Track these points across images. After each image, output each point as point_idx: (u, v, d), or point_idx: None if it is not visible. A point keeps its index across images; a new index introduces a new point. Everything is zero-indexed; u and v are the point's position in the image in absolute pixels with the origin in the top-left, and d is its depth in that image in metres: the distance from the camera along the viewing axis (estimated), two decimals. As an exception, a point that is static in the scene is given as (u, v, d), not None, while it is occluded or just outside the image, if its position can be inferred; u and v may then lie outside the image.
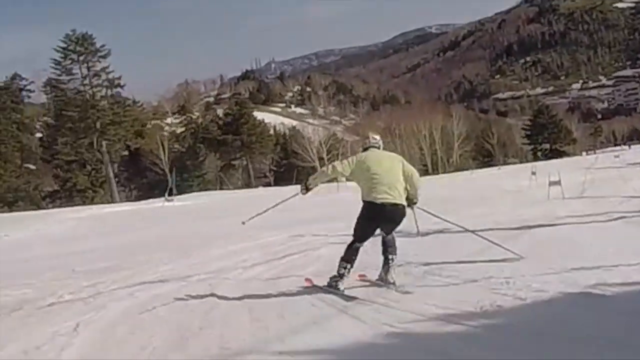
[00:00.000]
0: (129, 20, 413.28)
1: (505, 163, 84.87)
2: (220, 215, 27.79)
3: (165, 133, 76.60)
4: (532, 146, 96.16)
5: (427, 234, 10.61)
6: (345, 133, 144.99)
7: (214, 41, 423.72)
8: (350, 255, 7.14)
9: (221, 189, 67.73)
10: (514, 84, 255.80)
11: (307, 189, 7.48)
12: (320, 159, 69.52)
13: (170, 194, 42.25)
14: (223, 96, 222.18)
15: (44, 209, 53.36)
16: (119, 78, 68.81)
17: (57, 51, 66.61)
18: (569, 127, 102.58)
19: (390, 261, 7.28)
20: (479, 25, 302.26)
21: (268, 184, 75.84)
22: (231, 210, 29.31)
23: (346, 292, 6.90)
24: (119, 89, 69.69)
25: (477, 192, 33.40)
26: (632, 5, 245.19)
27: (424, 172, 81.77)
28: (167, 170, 67.42)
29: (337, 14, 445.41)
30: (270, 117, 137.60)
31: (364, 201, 7.07)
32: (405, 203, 7.15)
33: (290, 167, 75.28)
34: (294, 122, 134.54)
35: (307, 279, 7.77)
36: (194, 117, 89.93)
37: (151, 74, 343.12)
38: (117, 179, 69.71)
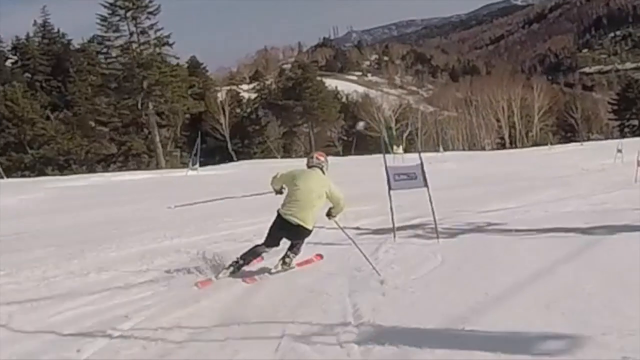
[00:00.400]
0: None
1: (589, 139, 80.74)
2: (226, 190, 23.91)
3: (227, 98, 73.87)
4: (619, 122, 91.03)
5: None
6: (421, 103, 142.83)
7: (294, 9, 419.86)
8: (249, 255, 8.09)
9: (285, 157, 66.64)
10: (602, 58, 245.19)
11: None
12: (389, 128, 67.24)
13: (194, 163, 39.72)
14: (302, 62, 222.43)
15: (96, 172, 52.51)
16: (168, 36, 65.25)
17: (105, 6, 63.50)
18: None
19: (287, 257, 8.15)
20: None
21: (337, 153, 74.13)
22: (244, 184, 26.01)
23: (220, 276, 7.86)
24: (167, 47, 65.69)
25: (553, 171, 31.10)
26: None
27: (502, 145, 78.89)
28: (227, 136, 66.37)
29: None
30: (344, 85, 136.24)
31: (277, 210, 8.07)
32: (310, 227, 8.00)
33: (360, 136, 73.58)
34: (370, 91, 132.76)
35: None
36: (267, 82, 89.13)
37: (232, 40, 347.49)
38: (175, 144, 67.84)
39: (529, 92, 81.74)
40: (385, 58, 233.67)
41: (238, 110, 73.72)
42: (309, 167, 8.29)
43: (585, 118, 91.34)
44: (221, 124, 68.27)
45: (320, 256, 8.86)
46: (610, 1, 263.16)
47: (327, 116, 78.54)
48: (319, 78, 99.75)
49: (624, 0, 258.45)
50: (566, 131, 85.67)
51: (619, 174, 24.83)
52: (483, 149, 76.70)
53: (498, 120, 78.73)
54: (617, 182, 21.09)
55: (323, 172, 8.31)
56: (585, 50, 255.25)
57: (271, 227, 8.12)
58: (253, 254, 8.17)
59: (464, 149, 76.82)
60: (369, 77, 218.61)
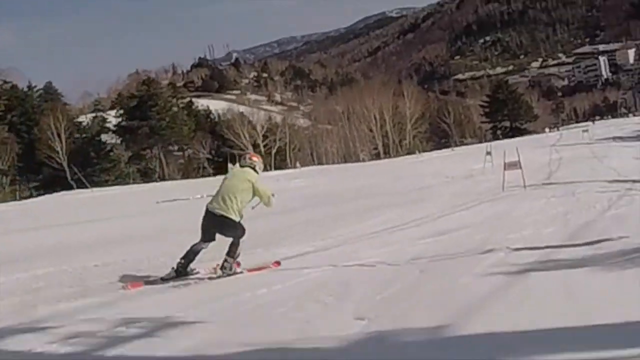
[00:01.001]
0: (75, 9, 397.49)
1: (462, 143, 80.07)
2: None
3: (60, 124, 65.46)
4: (491, 124, 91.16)
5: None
6: (301, 118, 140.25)
7: (167, 30, 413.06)
8: (189, 254, 8.36)
9: (147, 181, 61.36)
10: (474, 64, 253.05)
11: None
12: (255, 145, 63.36)
13: None
14: (178, 84, 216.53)
15: None
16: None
17: None
18: (530, 103, 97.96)
19: (224, 262, 8.34)
20: (437, 6, 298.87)
21: (208, 175, 69.32)
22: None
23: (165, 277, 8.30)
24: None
25: (415, 181, 28.62)
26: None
27: (377, 156, 76.58)
28: (65, 164, 60.02)
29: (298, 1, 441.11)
30: (220, 105, 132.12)
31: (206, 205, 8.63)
32: (233, 218, 8.33)
33: (232, 156, 68.98)
34: (247, 109, 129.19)
35: None
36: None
37: (103, 64, 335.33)
38: (6, 176, 60.38)
39: (400, 100, 80.00)
40: (264, 75, 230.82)
41: (77, 136, 66.60)
42: (242, 166, 8.71)
43: (457, 123, 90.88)
44: (57, 152, 61.07)
45: (278, 263, 8.89)
46: (479, 8, 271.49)
47: (178, 136, 72.93)
48: (188, 99, 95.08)
49: (491, 6, 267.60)
50: (440, 137, 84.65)
51: (487, 180, 23.06)
52: (361, 160, 74.35)
53: (371, 130, 76.48)
54: (482, 192, 19.25)
55: (256, 171, 8.70)
56: (457, 57, 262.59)
57: (202, 223, 8.46)
58: (192, 252, 8.37)
59: (339, 162, 74.01)
60: (248, 95, 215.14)
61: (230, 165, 9.51)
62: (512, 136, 78.73)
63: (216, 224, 8.32)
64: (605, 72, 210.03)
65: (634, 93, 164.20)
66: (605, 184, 18.19)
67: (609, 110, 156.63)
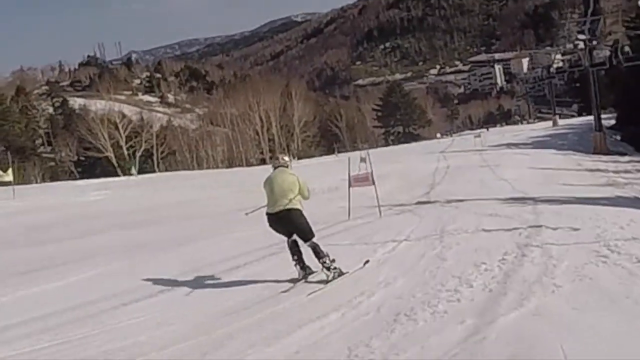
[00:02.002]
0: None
1: (355, 149, 75.56)
2: None
3: None
4: (383, 130, 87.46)
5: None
6: (194, 121, 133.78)
7: (54, 27, 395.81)
8: (293, 254, 9.02)
9: None
10: (374, 69, 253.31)
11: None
12: (118, 147, 56.90)
13: None
14: (62, 83, 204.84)
15: None
16: None
17: None
18: (424, 108, 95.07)
19: (323, 266, 8.75)
20: (341, 12, 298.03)
21: (74, 178, 62.28)
22: None
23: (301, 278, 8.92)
24: None
25: (254, 196, 23.66)
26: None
27: (261, 160, 71.26)
28: None
29: (202, 2, 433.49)
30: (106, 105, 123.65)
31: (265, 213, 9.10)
32: (297, 206, 8.90)
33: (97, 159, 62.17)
34: (136, 110, 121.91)
35: None
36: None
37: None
38: None
39: (290, 102, 74.76)
40: (158, 75, 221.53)
41: None
42: (275, 167, 9.35)
43: (350, 127, 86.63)
44: None
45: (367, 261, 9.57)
46: (380, 14, 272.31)
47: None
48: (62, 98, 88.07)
49: (392, 12, 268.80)
50: (330, 142, 79.78)
51: (343, 198, 17.98)
52: (249, 165, 68.93)
53: (258, 134, 70.99)
54: (325, 219, 14.84)
55: (286, 167, 9.41)
56: (358, 63, 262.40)
57: (271, 227, 9.05)
58: (292, 249, 8.97)
59: (222, 167, 68.26)
60: (140, 96, 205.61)
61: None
62: (405, 142, 75.36)
63: (285, 221, 8.80)
64: (500, 80, 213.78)
65: (528, 101, 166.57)
66: (496, 206, 13.96)
67: (504, 117, 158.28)
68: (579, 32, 44.99)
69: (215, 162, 72.92)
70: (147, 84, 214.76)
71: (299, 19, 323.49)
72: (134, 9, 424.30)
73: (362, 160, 29.25)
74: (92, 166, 62.09)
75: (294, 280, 8.73)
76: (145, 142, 61.92)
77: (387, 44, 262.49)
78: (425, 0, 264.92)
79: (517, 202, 15.39)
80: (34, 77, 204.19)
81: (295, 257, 8.88)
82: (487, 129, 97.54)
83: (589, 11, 53.04)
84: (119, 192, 32.74)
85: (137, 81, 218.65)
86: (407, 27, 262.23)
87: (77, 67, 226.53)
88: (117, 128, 60.65)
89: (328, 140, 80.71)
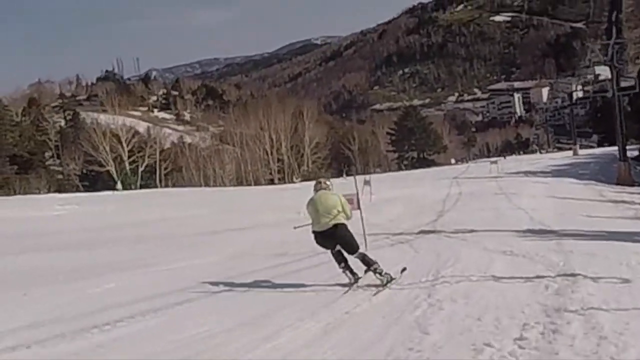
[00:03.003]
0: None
1: (365, 172, 73.49)
2: None
3: None
4: (397, 154, 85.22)
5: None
6: (206, 139, 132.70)
7: (73, 41, 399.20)
8: (339, 263, 9.69)
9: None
10: (392, 95, 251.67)
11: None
12: (120, 161, 55.36)
13: None
14: (79, 97, 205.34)
15: None
16: None
17: None
18: (440, 134, 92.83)
19: (376, 274, 9.35)
20: (360, 35, 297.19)
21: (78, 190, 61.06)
22: None
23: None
24: None
25: (225, 219, 23.24)
26: (509, 19, 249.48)
27: (270, 181, 69.41)
28: None
29: (223, 22, 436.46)
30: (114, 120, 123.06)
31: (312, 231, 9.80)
32: (342, 220, 9.60)
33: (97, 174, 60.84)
34: (149, 126, 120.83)
35: None
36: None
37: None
38: None
39: (300, 123, 72.99)
40: (175, 93, 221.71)
41: None
42: (317, 190, 9.92)
43: (362, 151, 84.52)
44: None
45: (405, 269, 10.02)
46: (399, 39, 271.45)
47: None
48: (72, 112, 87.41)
49: (412, 38, 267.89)
50: (343, 165, 77.64)
51: None
52: (258, 184, 67.22)
53: (268, 153, 69.24)
54: (301, 249, 13.35)
55: (329, 190, 10.00)
56: (376, 87, 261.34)
57: (318, 242, 9.78)
58: (337, 257, 9.69)
59: (230, 185, 66.48)
60: (156, 112, 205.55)
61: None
62: (419, 167, 73.26)
63: (332, 236, 9.48)
64: (519, 109, 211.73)
65: (547, 130, 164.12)
66: (512, 240, 11.76)
67: (522, 146, 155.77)
68: (604, 57, 42.47)
69: (223, 181, 71.17)
70: (163, 101, 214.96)
71: (318, 42, 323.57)
72: (154, 25, 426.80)
73: (366, 183, 27.42)
74: (95, 180, 60.67)
75: (348, 285, 9.30)
76: (149, 157, 60.37)
77: (406, 70, 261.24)
78: (446, 27, 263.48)
79: (537, 235, 13.13)
80: (52, 90, 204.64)
81: (343, 265, 9.60)
82: (504, 157, 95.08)
83: (614, 37, 50.73)
84: (88, 207, 30.62)
85: (154, 98, 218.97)
86: (426, 53, 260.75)
87: (94, 81, 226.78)
88: (119, 142, 59.16)
89: (339, 163, 78.62)
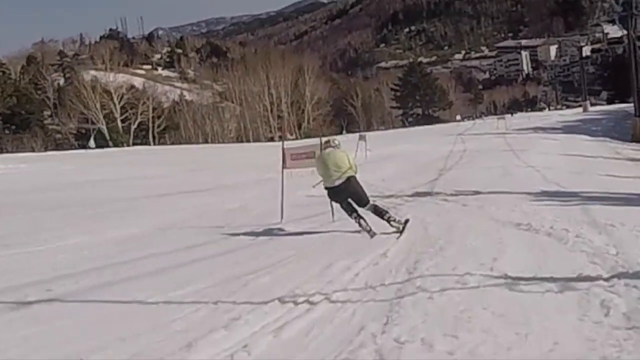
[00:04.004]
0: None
1: (370, 130, 71.56)
2: None
3: None
4: (402, 111, 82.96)
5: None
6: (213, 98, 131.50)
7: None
8: (352, 218, 9.71)
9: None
10: (398, 53, 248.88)
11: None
12: (112, 119, 53.55)
13: None
14: (82, 56, 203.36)
15: None
16: None
17: None
18: (446, 90, 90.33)
19: (390, 222, 9.40)
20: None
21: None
22: None
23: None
24: None
25: (193, 178, 21.62)
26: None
27: (270, 139, 67.58)
28: None
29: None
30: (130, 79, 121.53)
31: (324, 187, 10.09)
32: (352, 173, 9.80)
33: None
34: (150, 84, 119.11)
35: None
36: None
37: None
38: None
39: (301, 79, 70.67)
40: (179, 51, 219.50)
41: None
42: (325, 149, 10.27)
43: (365, 107, 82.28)
44: None
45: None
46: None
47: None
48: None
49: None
50: (343, 121, 75.58)
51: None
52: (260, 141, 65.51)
53: (268, 110, 67.25)
54: (250, 220, 12.37)
55: (338, 148, 10.22)
56: (382, 45, 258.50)
57: (330, 197, 10.10)
58: (349, 211, 9.74)
59: (230, 142, 64.84)
60: (159, 70, 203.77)
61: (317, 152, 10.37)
62: (424, 124, 71.21)
63: (343, 189, 9.70)
64: (526, 67, 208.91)
65: (555, 87, 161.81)
66: (525, 205, 10.09)
67: (529, 104, 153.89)
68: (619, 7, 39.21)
69: (222, 139, 69.50)
70: (167, 59, 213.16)
71: (324, 0, 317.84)
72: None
73: (361, 138, 25.78)
74: (88, 138, 59.21)
75: (364, 231, 9.18)
76: (141, 114, 58.54)
77: (412, 28, 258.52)
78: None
79: (555, 199, 11.08)
80: (55, 49, 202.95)
81: (355, 215, 9.61)
82: (512, 114, 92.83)
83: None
84: (37, 166, 28.72)
85: (158, 56, 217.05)
86: (433, 11, 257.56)
87: (98, 40, 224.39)
88: (111, 98, 57.19)
89: (342, 120, 76.68)
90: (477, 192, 12.66)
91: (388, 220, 9.30)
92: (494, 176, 16.31)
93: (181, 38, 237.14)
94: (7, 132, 73.58)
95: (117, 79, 74.84)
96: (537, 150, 25.24)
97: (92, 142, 46.63)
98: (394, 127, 70.75)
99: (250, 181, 19.09)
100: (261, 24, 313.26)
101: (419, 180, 16.48)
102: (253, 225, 11.17)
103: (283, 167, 12.43)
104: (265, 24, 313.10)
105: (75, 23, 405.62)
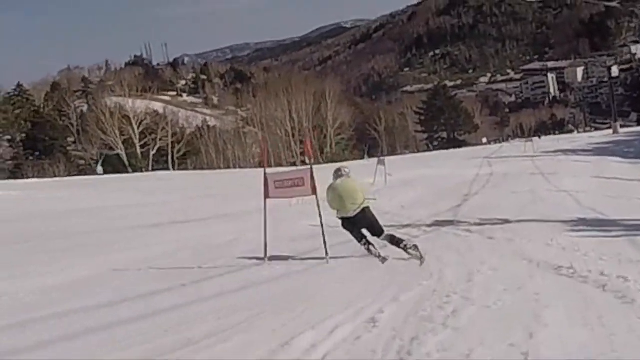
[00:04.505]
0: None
1: (393, 153, 70.32)
2: None
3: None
4: (427, 134, 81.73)
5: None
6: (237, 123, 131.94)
7: (102, 27, 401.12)
8: (365, 248, 9.67)
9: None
10: (423, 77, 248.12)
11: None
12: (131, 144, 53.11)
13: None
14: (108, 83, 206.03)
15: None
16: None
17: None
18: (471, 113, 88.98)
19: (406, 251, 9.21)
20: (390, 18, 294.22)
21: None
22: None
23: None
24: None
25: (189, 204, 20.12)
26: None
27: (292, 163, 66.72)
28: None
29: (254, 7, 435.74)
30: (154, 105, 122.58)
31: (339, 218, 9.99)
32: (365, 204, 9.75)
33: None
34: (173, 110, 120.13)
35: None
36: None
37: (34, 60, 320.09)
38: None
39: (323, 103, 69.91)
40: (203, 77, 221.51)
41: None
42: (338, 177, 10.03)
43: (389, 131, 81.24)
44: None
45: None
46: (430, 21, 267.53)
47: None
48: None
49: (443, 19, 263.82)
50: (365, 145, 74.59)
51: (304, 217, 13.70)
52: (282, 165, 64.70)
53: (290, 135, 66.55)
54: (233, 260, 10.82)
55: (349, 177, 10.11)
56: (407, 69, 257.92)
57: (346, 228, 9.90)
58: (361, 237, 9.74)
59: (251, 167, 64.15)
60: (184, 97, 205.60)
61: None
62: (449, 148, 69.94)
63: (358, 220, 9.65)
64: (553, 89, 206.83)
65: (583, 109, 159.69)
66: (564, 241, 8.72)
67: (556, 127, 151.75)
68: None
69: (245, 164, 68.94)
70: (192, 86, 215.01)
71: (348, 25, 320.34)
72: (183, 12, 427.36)
73: (380, 162, 24.63)
74: (110, 164, 58.89)
75: (378, 257, 9.00)
76: (160, 140, 58.12)
77: (437, 51, 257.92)
78: (477, 7, 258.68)
79: (595, 229, 9.73)
80: (80, 76, 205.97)
81: (365, 241, 9.62)
82: (539, 137, 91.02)
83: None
84: (27, 193, 27.49)
85: (183, 82, 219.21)
86: (457, 35, 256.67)
87: (123, 66, 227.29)
88: (130, 124, 56.90)
89: (365, 145, 75.78)
90: (505, 221, 11.47)
91: (405, 249, 9.22)
92: (523, 202, 15.11)
93: (205, 64, 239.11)
94: (30, 158, 74.01)
95: (140, 105, 74.90)
96: (568, 173, 23.89)
97: (99, 168, 45.94)
98: (418, 151, 69.62)
99: (255, 209, 17.84)
100: (285, 49, 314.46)
101: (441, 207, 15.31)
102: (230, 266, 9.88)
103: (265, 197, 10.83)
104: (289, 49, 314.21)
105: (100, 50, 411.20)
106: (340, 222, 9.83)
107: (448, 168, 32.35)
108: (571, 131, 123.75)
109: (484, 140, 77.83)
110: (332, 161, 59.99)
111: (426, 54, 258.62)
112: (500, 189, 19.27)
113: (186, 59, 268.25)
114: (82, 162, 75.47)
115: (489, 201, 15.98)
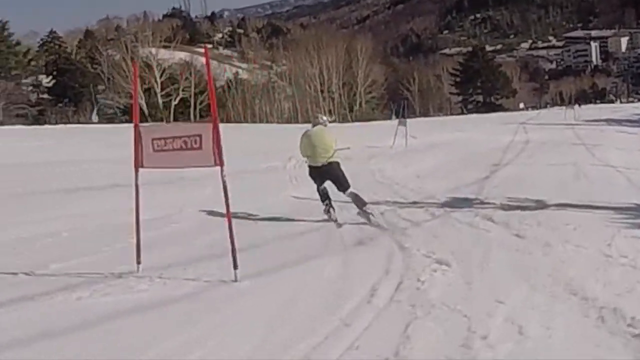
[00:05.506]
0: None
1: (425, 115, 68.28)
2: None
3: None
4: (461, 97, 79.20)
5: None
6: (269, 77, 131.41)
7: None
8: (322, 198, 10.11)
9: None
10: (462, 40, 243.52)
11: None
12: (151, 94, 51.97)
13: None
14: (145, 34, 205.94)
15: None
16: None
17: None
18: (510, 77, 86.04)
19: (360, 211, 9.50)
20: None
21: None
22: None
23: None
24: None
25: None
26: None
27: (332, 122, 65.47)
28: None
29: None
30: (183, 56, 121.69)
31: (307, 164, 10.31)
32: (335, 159, 9.96)
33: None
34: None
35: None
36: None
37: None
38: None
39: (354, 60, 67.69)
40: (240, 31, 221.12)
41: None
42: (314, 125, 10.29)
43: (422, 92, 78.77)
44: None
45: None
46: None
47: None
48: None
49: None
50: (398, 105, 72.70)
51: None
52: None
53: (319, 92, 64.80)
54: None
55: (325, 126, 10.34)
56: (446, 32, 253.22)
57: (311, 176, 10.22)
58: (322, 194, 10.09)
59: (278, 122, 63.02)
60: (220, 50, 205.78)
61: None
62: (484, 112, 67.53)
63: (326, 172, 9.85)
64: (595, 58, 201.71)
65: (627, 79, 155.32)
66: (622, 243, 6.73)
67: (597, 96, 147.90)
68: None
69: (273, 119, 67.51)
70: (228, 39, 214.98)
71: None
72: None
73: (401, 123, 22.82)
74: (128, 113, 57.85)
75: (332, 220, 9.16)
76: (183, 90, 56.71)
77: (478, 15, 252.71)
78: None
79: None
80: (120, 26, 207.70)
81: (327, 202, 9.94)
82: (579, 105, 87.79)
83: None
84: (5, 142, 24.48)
85: (219, 35, 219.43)
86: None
87: (160, 18, 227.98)
88: (151, 73, 55.57)
89: (391, 104, 73.87)
90: (541, 205, 9.53)
91: (364, 212, 9.29)
92: (564, 178, 13.11)
93: (243, 18, 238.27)
94: (60, 105, 73.70)
95: (171, 56, 73.63)
96: (614, 145, 21.77)
97: (94, 116, 44.41)
98: (452, 114, 67.36)
99: (231, 172, 15.40)
100: (324, 7, 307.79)
101: (464, 179, 13.35)
102: (84, 274, 6.64)
103: (136, 167, 7.18)
104: (327, 7, 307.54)
105: (140, 2, 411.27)
106: (308, 170, 10.08)
107: (480, 132, 30.36)
108: (612, 101, 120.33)
109: (521, 105, 75.16)
110: (361, 119, 58.18)
111: (466, 17, 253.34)
112: (537, 160, 17.42)
113: (225, 14, 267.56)
114: (111, 110, 74.93)
115: (522, 174, 14.13)
